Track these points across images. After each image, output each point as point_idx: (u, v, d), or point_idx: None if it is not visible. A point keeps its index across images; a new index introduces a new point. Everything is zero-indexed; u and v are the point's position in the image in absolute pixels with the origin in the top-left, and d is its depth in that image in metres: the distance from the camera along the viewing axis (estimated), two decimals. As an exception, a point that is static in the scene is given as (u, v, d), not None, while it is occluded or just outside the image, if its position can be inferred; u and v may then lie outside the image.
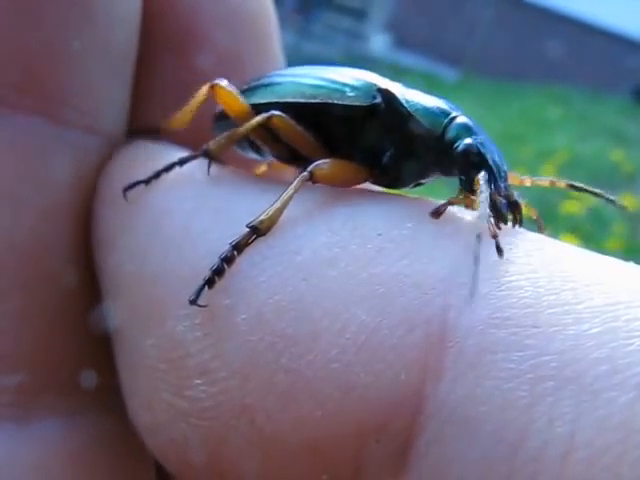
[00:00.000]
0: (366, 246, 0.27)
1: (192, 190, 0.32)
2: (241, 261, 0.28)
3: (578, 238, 2.72)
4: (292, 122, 0.35)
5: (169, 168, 0.32)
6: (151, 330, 0.29)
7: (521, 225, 0.32)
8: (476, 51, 9.01)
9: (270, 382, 0.26)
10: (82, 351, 0.34)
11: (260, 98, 0.37)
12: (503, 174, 0.32)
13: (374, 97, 0.35)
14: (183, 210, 0.31)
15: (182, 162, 0.33)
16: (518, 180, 0.36)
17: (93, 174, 0.35)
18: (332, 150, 0.36)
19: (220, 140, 0.35)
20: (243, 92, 0.38)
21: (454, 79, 8.16)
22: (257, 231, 0.29)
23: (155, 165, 0.33)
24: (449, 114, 0.34)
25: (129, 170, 0.34)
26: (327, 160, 0.33)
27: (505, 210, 0.31)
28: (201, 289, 0.28)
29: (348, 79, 0.36)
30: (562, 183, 0.36)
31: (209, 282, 0.28)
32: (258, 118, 0.35)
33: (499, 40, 9.32)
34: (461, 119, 0.34)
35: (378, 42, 9.23)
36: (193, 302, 0.28)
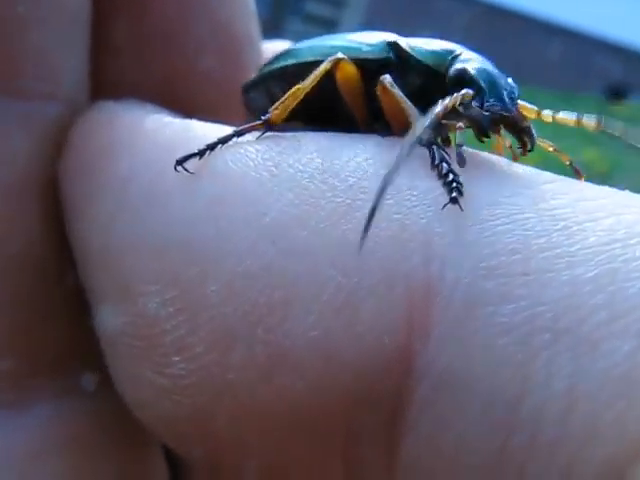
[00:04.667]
0: (336, 200, 0.25)
1: (156, 153, 0.30)
2: (207, 229, 0.26)
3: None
4: (355, 71, 0.34)
5: (226, 140, 0.29)
6: (124, 308, 0.28)
7: (530, 150, 0.32)
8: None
9: (249, 355, 0.24)
10: (69, 331, 0.33)
11: (276, 64, 0.37)
12: (503, 96, 0.31)
13: (387, 51, 0.35)
14: (148, 174, 0.29)
15: (239, 134, 0.30)
16: (535, 113, 0.33)
17: (56, 144, 0.33)
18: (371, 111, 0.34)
19: (283, 104, 0.32)
20: (262, 68, 0.37)
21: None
22: (268, 121, 0.29)
23: (120, 127, 0.31)
24: (452, 52, 0.34)
25: (93, 136, 0.32)
26: None
27: (486, 123, 0.30)
28: (191, 156, 0.28)
29: (361, 37, 0.36)
30: (592, 123, 0.33)
31: (201, 153, 0.28)
32: (325, 64, 0.33)
33: (469, 47, 9.40)
34: (465, 55, 0.33)
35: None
36: (180, 163, 0.28)
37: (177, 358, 0.26)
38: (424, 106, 0.32)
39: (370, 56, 0.35)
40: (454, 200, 0.25)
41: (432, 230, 0.24)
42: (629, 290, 0.21)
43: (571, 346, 0.21)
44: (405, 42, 0.35)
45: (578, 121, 0.33)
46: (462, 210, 0.24)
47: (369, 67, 0.34)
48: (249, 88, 0.38)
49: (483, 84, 0.31)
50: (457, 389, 0.22)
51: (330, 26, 8.74)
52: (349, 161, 0.26)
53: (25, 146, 0.32)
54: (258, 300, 0.24)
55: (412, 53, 0.34)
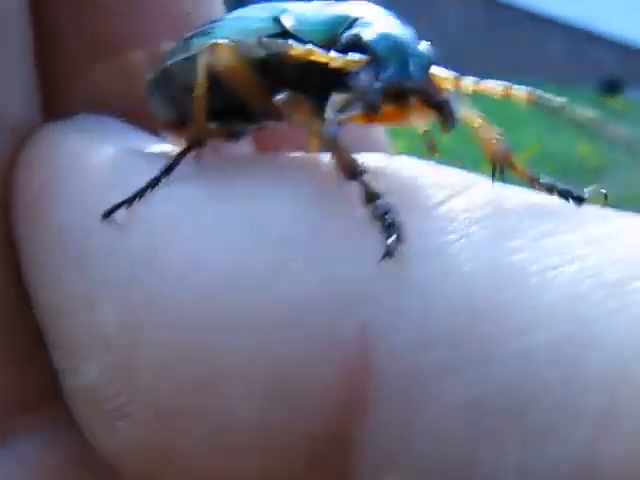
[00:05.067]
0: (265, 256, 0.23)
1: (90, 199, 0.28)
2: (135, 294, 0.25)
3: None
4: (237, 54, 0.30)
5: (154, 184, 0.27)
6: (69, 368, 0.27)
7: (450, 126, 0.26)
8: (446, 50, 9.05)
9: (190, 428, 0.24)
10: (41, 366, 0.32)
11: (170, 59, 0.33)
12: (407, 63, 0.26)
13: (275, 28, 0.30)
14: (81, 225, 0.27)
15: (167, 171, 0.28)
16: (452, 82, 0.28)
17: (3, 180, 0.31)
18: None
19: (195, 121, 0.30)
20: (168, 55, 0.34)
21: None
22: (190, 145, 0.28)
23: (59, 163, 0.29)
24: (347, 18, 0.28)
25: (33, 172, 0.30)
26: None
27: (372, 95, 0.25)
28: (119, 205, 0.26)
29: (255, 13, 0.32)
30: (523, 94, 0.28)
31: (130, 201, 0.26)
32: (204, 53, 0.30)
33: (467, 39, 9.39)
34: (365, 19, 0.28)
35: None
36: (107, 216, 0.26)
37: (122, 424, 0.25)
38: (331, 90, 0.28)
39: (265, 33, 0.30)
40: (389, 253, 0.22)
41: (369, 291, 0.21)
42: (590, 363, 0.18)
43: (520, 433, 0.18)
44: (291, 17, 0.30)
45: (506, 91, 0.28)
46: (400, 264, 0.21)
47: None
48: (153, 86, 0.35)
49: (378, 49, 0.26)
50: (396, 473, 0.20)
51: None
52: (282, 206, 0.24)
53: None
54: (190, 374, 0.23)
55: (297, 34, 0.29)
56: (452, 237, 0.22)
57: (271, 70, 0.30)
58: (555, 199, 0.26)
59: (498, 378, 0.19)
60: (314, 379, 0.21)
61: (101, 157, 0.29)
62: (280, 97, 0.28)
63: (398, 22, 0.29)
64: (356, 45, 0.27)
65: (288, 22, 0.30)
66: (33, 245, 0.29)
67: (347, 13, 0.29)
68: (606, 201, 0.29)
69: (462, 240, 0.21)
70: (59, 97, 0.35)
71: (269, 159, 0.29)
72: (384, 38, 0.27)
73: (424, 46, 0.28)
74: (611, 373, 0.18)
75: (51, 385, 0.32)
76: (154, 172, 0.27)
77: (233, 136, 0.34)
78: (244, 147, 0.39)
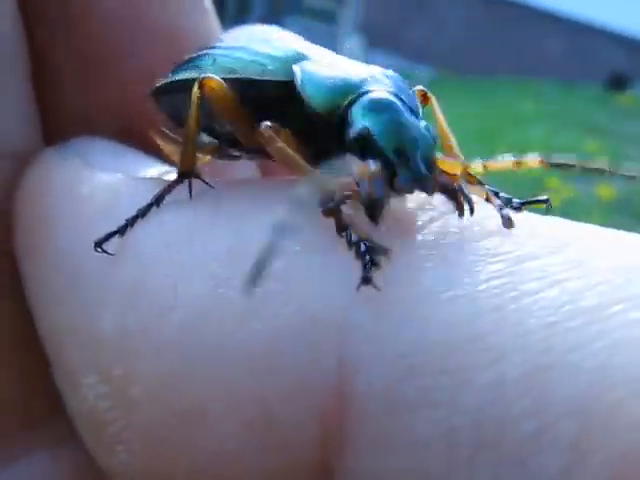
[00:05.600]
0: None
1: (83, 228, 0.29)
2: (126, 326, 0.25)
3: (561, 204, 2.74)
4: (226, 87, 0.30)
5: (145, 212, 0.28)
6: (70, 392, 0.28)
7: (465, 212, 0.25)
8: (448, 49, 9.05)
9: (181, 457, 0.24)
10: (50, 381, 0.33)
11: (179, 75, 0.33)
12: (418, 166, 0.25)
13: (291, 74, 0.30)
14: (74, 254, 0.28)
15: (158, 201, 0.28)
16: (460, 167, 0.27)
17: (5, 208, 0.32)
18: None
19: (185, 153, 0.30)
20: (172, 71, 0.34)
21: (427, 78, 8.19)
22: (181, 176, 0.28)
23: (55, 194, 0.30)
24: (352, 93, 0.28)
25: (33, 204, 0.31)
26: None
27: (380, 206, 0.24)
28: (111, 235, 0.27)
29: (272, 49, 0.32)
30: (534, 162, 0.28)
31: (122, 230, 0.27)
32: (194, 90, 0.30)
33: (469, 37, 9.38)
34: (366, 98, 0.27)
35: (350, 44, 9.24)
36: (98, 245, 0.27)
37: (120, 448, 0.26)
38: (325, 141, 0.28)
39: (271, 78, 0.30)
40: (366, 280, 0.21)
41: (347, 321, 0.21)
42: (561, 393, 0.18)
43: (492, 464, 0.18)
44: (303, 72, 0.29)
45: (518, 162, 0.27)
46: (378, 290, 0.21)
47: (270, 87, 0.30)
48: (157, 94, 0.35)
49: (391, 156, 0.25)
50: None
51: (329, 19, 8.73)
52: (262, 237, 0.23)
53: None
54: (176, 406, 0.24)
55: (303, 94, 0.29)
56: (429, 264, 0.22)
57: (261, 105, 0.31)
58: (534, 219, 0.25)
59: (472, 409, 0.18)
60: (295, 411, 0.21)
61: (95, 185, 0.30)
62: (263, 127, 0.28)
63: (404, 93, 0.28)
64: (365, 142, 0.26)
65: (299, 77, 0.29)
66: (33, 268, 0.30)
67: (357, 81, 0.28)
68: (548, 210, 0.28)
69: (440, 267, 0.21)
70: (56, 117, 0.35)
71: (258, 186, 0.29)
72: (395, 136, 0.26)
73: (427, 129, 0.27)
74: (583, 404, 0.17)
75: (56, 400, 0.32)
76: (144, 200, 0.28)
77: (228, 157, 0.35)
78: (248, 171, 0.39)
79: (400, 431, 0.20)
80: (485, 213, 0.24)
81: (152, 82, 0.34)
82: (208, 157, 0.36)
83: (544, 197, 0.29)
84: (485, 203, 0.26)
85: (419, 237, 0.23)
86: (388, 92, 0.28)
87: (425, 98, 0.32)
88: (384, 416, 0.20)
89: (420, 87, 0.32)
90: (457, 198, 0.25)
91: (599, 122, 5.76)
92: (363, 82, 0.28)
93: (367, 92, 0.28)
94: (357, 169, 0.25)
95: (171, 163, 0.35)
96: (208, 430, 0.23)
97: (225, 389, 0.22)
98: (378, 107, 0.27)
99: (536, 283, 0.20)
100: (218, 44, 0.34)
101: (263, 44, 0.32)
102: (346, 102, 0.28)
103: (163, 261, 0.26)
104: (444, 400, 0.19)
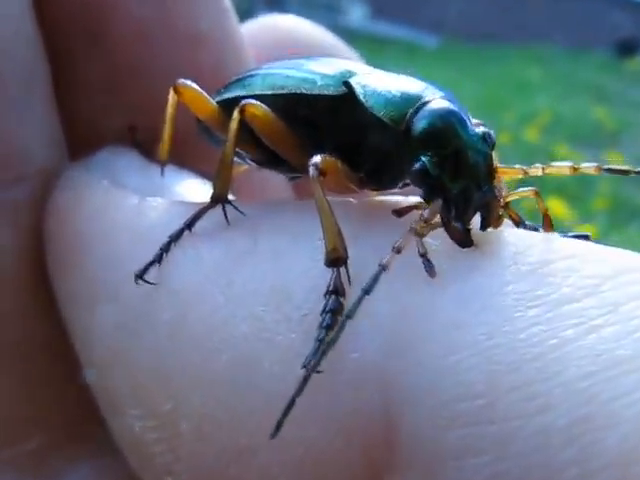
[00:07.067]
0: (290, 335, 0.23)
1: (119, 259, 0.29)
2: (173, 364, 0.25)
3: (564, 199, 2.73)
4: (269, 111, 0.31)
5: (178, 236, 0.28)
6: (117, 422, 0.28)
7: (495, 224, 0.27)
8: (455, 17, 8.93)
9: None
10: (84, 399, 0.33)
11: (228, 94, 0.34)
12: (471, 197, 0.26)
13: (342, 88, 0.31)
14: (111, 287, 0.28)
15: (190, 225, 0.29)
16: (521, 172, 0.29)
17: (34, 225, 0.32)
18: (314, 150, 0.30)
19: (220, 178, 0.30)
20: (218, 92, 0.35)
21: (434, 46, 8.10)
22: (215, 200, 0.29)
23: (87, 217, 0.30)
24: (414, 103, 0.29)
25: (63, 226, 0.31)
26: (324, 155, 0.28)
27: (463, 237, 0.25)
28: (149, 265, 0.27)
29: (321, 67, 0.32)
30: (591, 168, 0.28)
31: (158, 259, 0.27)
32: (234, 116, 0.30)
33: (477, 4, 9.25)
34: (430, 107, 0.28)
35: (357, 14, 9.12)
36: (139, 277, 0.27)
37: (169, 478, 0.26)
38: (377, 158, 0.30)
39: (324, 91, 0.31)
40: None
41: (390, 368, 0.21)
42: (605, 442, 0.18)
43: None
44: (360, 84, 0.30)
45: (575, 168, 0.28)
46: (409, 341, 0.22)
47: (322, 102, 0.31)
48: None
49: (454, 190, 0.27)
50: None
51: (330, 9, 8.62)
52: (303, 278, 0.25)
53: (6, 239, 0.31)
54: (226, 444, 0.24)
55: (365, 105, 0.29)
56: (474, 307, 0.22)
57: (311, 122, 0.31)
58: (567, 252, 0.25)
59: (517, 457, 0.19)
60: (341, 457, 0.22)
61: (125, 210, 0.30)
62: (312, 166, 0.27)
63: (455, 102, 0.29)
64: (420, 178, 0.27)
65: (359, 89, 0.30)
66: (67, 295, 0.30)
67: (419, 93, 0.29)
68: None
69: (480, 313, 0.21)
70: (81, 127, 0.35)
71: (294, 216, 0.28)
72: (453, 180, 0.27)
73: (485, 134, 0.28)
74: (626, 452, 0.18)
75: (90, 418, 0.32)
76: (176, 225, 0.28)
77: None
78: (283, 192, 0.40)
79: (444, 475, 0.20)
80: (523, 246, 0.24)
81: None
82: (244, 167, 0.37)
83: (585, 233, 0.29)
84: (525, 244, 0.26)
85: (453, 288, 0.23)
86: (445, 99, 0.29)
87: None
88: (428, 464, 0.20)
89: (477, 121, 0.32)
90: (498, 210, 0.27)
91: (607, 88, 5.70)
92: (423, 91, 0.29)
93: (425, 103, 0.29)
94: (430, 214, 0.26)
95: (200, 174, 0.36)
96: (257, 470, 0.23)
97: (277, 435, 0.22)
98: (443, 120, 0.28)
99: (573, 330, 0.20)
100: (265, 65, 0.35)
101: (311, 63, 0.33)
102: (410, 111, 0.28)
103: (204, 298, 0.26)
104: (489, 447, 0.19)
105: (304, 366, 0.22)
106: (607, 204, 2.88)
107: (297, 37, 0.41)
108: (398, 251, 0.24)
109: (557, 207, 2.68)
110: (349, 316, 0.22)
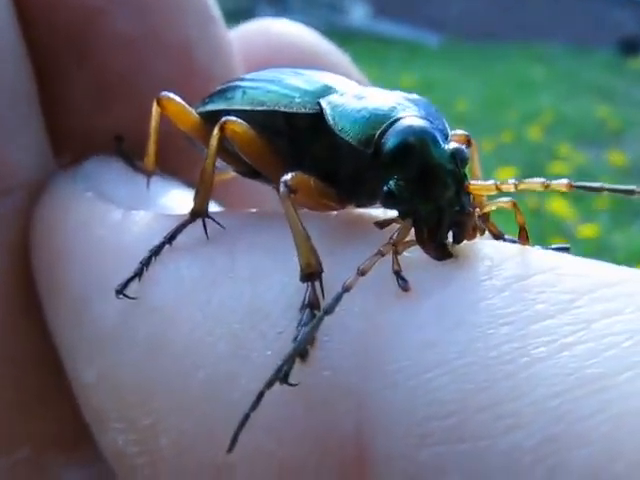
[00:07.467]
0: (266, 353, 0.24)
1: (102, 272, 0.29)
2: (150, 379, 0.26)
3: (567, 199, 2.73)
4: (248, 128, 0.31)
5: (158, 251, 0.28)
6: (100, 434, 0.29)
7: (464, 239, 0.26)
8: (456, 16, 8.93)
9: None
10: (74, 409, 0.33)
11: (210, 106, 0.34)
12: (442, 214, 0.26)
13: (319, 107, 0.31)
14: (96, 302, 0.29)
15: (170, 239, 0.29)
16: (493, 188, 0.28)
17: (20, 239, 0.32)
18: (292, 167, 0.30)
19: (199, 194, 0.31)
20: (202, 102, 0.35)
21: (436, 46, 8.09)
22: (194, 215, 0.29)
23: (72, 229, 0.31)
24: (381, 124, 0.28)
25: (49, 235, 0.31)
26: (297, 172, 0.28)
27: (438, 253, 0.25)
28: (130, 280, 0.27)
29: (301, 82, 0.32)
30: (562, 185, 0.27)
31: (139, 273, 0.27)
32: (214, 132, 0.30)
33: (478, 3, 9.24)
34: (395, 128, 0.28)
35: (358, 13, 9.12)
36: (119, 292, 0.27)
37: None
38: (352, 177, 0.30)
39: (301, 110, 0.31)
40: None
41: (362, 386, 0.22)
42: (572, 462, 0.18)
43: None
44: (332, 106, 0.30)
45: (546, 185, 0.27)
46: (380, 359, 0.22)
47: (299, 120, 0.31)
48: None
49: (424, 212, 0.26)
50: None
51: (332, 9, 8.62)
52: (280, 296, 0.25)
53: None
54: (203, 461, 0.24)
55: (334, 128, 0.29)
56: (446, 323, 0.22)
57: (290, 137, 0.32)
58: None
59: (486, 476, 0.19)
60: (316, 474, 0.22)
61: (108, 224, 0.30)
62: (282, 185, 0.28)
63: (432, 116, 0.29)
64: (390, 199, 0.27)
65: (328, 110, 0.30)
66: (53, 309, 0.30)
67: (387, 113, 0.29)
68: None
69: (453, 331, 0.21)
70: (67, 138, 0.35)
71: (273, 232, 0.29)
72: (421, 200, 0.27)
73: (454, 151, 0.27)
74: (592, 473, 0.18)
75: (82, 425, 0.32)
76: (158, 238, 0.28)
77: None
78: (273, 195, 0.40)
79: None
80: (499, 259, 0.24)
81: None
82: (230, 174, 0.37)
83: (565, 245, 0.29)
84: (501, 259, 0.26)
85: (427, 304, 0.23)
86: (418, 117, 0.28)
87: (468, 142, 0.33)
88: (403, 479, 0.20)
89: (462, 132, 0.33)
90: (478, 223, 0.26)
91: (610, 87, 5.68)
92: (392, 110, 0.29)
93: (395, 121, 0.28)
94: (399, 237, 0.26)
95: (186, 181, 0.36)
96: None
97: (254, 452, 0.23)
98: (412, 142, 0.27)
99: (545, 348, 0.20)
100: (249, 76, 0.35)
101: (292, 77, 0.33)
102: (378, 133, 0.28)
103: (182, 315, 0.26)
104: (458, 467, 0.19)
105: (275, 377, 0.22)
106: (610, 204, 2.87)
107: (291, 42, 0.41)
108: (362, 273, 0.24)
109: (559, 206, 2.69)
110: (306, 337, 0.22)
